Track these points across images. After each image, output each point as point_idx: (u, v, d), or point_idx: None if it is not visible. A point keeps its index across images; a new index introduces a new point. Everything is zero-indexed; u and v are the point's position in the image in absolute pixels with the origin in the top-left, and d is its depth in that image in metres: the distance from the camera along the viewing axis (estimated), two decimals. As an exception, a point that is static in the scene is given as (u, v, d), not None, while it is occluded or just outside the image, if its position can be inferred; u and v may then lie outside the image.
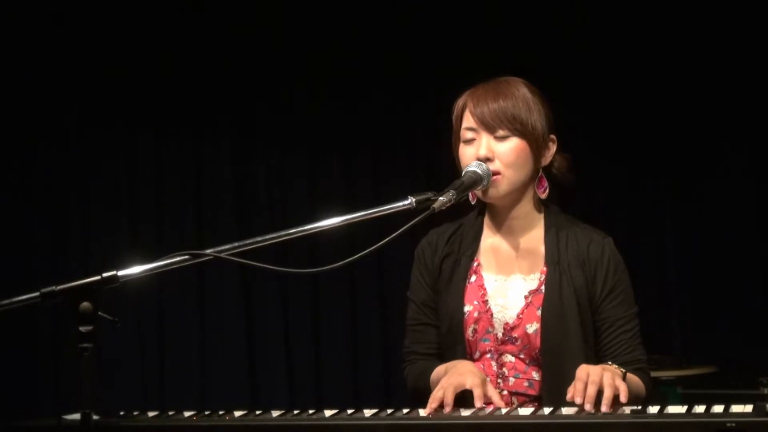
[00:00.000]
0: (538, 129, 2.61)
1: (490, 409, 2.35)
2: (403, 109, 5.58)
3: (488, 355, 2.62)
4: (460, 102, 2.68)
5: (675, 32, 5.48)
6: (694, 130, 5.52)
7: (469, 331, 2.62)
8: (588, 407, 2.24)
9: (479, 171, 2.55)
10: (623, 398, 2.26)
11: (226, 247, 2.28)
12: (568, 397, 2.28)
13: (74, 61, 5.15)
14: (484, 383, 2.42)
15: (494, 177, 2.58)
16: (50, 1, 5.11)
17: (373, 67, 5.52)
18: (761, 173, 5.40)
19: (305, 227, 2.34)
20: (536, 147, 2.61)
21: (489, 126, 2.59)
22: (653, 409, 2.16)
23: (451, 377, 2.42)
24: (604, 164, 5.59)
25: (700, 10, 5.39)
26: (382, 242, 2.30)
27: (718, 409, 2.11)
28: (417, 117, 5.42)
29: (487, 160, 2.57)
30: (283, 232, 2.33)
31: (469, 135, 2.62)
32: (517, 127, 2.58)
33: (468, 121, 2.62)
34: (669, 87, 5.53)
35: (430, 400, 2.36)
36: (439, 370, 2.59)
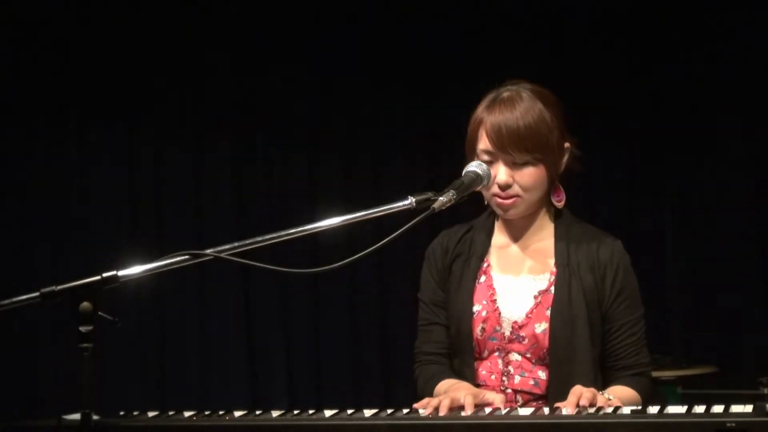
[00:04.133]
0: (556, 149, 2.60)
1: (490, 409, 2.35)
2: (403, 109, 5.56)
3: (495, 353, 2.62)
4: (476, 116, 2.62)
5: (675, 30, 5.48)
6: (694, 130, 5.51)
7: (478, 331, 2.63)
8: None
9: (479, 171, 2.54)
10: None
11: (226, 247, 2.28)
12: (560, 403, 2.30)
13: (74, 61, 5.15)
14: (477, 394, 2.42)
15: (513, 199, 2.58)
16: (50, 1, 5.11)
17: (373, 67, 5.51)
18: (762, 173, 5.39)
19: (305, 227, 2.34)
20: (554, 166, 2.61)
21: (508, 153, 2.56)
22: (653, 409, 2.17)
23: (449, 393, 2.43)
24: (604, 164, 5.58)
25: (701, 10, 5.39)
26: (382, 242, 2.30)
27: (718, 409, 2.11)
28: (417, 117, 5.41)
29: (506, 185, 2.57)
30: (283, 232, 2.33)
31: (486, 157, 2.59)
32: (537, 156, 2.57)
33: (484, 143, 2.59)
34: (668, 86, 5.52)
35: (426, 402, 2.37)
36: (441, 386, 2.60)
